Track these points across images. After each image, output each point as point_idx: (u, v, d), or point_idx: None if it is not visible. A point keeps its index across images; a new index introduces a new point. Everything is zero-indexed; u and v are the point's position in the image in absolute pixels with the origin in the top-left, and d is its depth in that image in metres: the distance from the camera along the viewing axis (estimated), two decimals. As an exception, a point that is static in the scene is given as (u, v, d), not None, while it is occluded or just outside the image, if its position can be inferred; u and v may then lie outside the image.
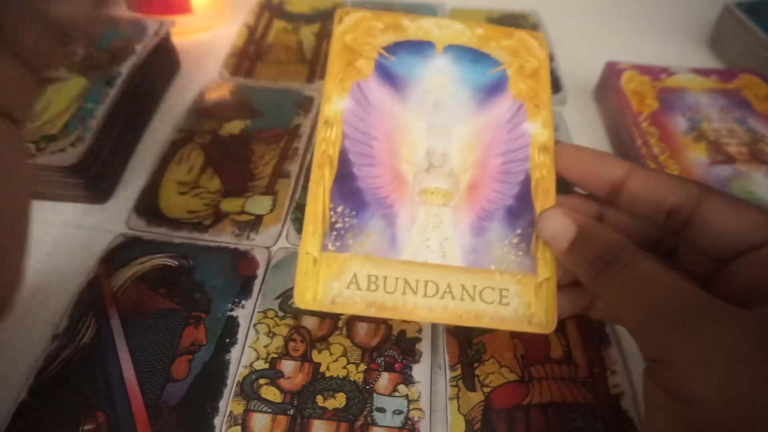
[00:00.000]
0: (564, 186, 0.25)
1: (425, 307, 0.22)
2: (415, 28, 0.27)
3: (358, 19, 0.27)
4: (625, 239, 0.20)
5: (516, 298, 0.22)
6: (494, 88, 0.26)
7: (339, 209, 0.23)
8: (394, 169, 0.24)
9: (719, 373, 0.16)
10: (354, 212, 0.23)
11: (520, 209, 0.23)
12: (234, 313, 0.27)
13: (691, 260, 0.23)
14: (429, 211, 0.23)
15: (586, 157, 0.23)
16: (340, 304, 0.22)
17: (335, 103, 0.25)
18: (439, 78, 0.26)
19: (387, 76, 0.26)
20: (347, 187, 0.23)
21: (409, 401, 0.24)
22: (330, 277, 0.22)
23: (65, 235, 0.31)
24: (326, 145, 0.24)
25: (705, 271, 0.23)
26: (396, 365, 0.25)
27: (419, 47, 0.26)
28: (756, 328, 0.17)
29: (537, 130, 0.25)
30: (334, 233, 0.23)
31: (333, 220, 0.23)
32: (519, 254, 0.23)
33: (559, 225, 0.22)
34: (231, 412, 0.24)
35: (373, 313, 0.22)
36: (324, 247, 0.22)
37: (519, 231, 0.23)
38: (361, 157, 0.24)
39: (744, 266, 0.20)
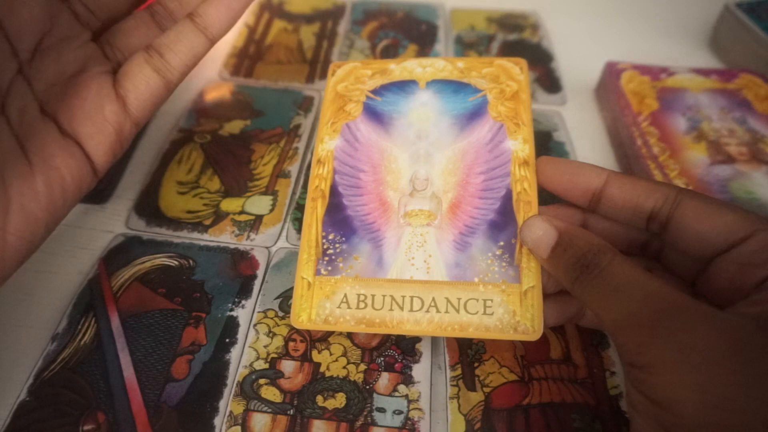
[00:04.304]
0: (551, 199, 0.25)
1: (411, 321, 0.23)
2: (400, 70, 0.30)
3: (349, 70, 0.30)
4: (604, 243, 0.20)
5: (500, 308, 0.23)
6: (475, 113, 0.28)
7: (330, 237, 0.25)
8: (380, 196, 0.26)
9: (693, 376, 0.16)
10: (344, 238, 0.25)
11: (503, 222, 0.25)
12: (234, 313, 0.27)
13: (676, 262, 0.24)
14: (413, 232, 0.25)
15: (565, 168, 0.24)
16: (332, 322, 0.23)
17: (327, 143, 0.27)
18: (421, 111, 0.28)
19: (373, 114, 0.28)
20: (337, 217, 0.26)
21: (409, 401, 0.24)
22: (323, 298, 0.24)
23: (65, 235, 0.31)
24: (319, 181, 0.26)
25: (690, 272, 0.23)
26: (396, 365, 0.25)
27: (403, 86, 0.29)
28: (729, 327, 0.17)
29: (517, 146, 0.26)
30: (326, 258, 0.25)
31: (325, 246, 0.25)
32: (503, 265, 0.24)
33: (541, 231, 0.22)
34: (231, 412, 0.24)
35: (362, 329, 0.23)
36: (317, 272, 0.24)
37: (502, 243, 0.24)
38: (350, 189, 0.26)
39: (722, 266, 0.20)
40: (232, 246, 0.30)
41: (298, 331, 0.26)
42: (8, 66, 0.21)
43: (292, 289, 0.25)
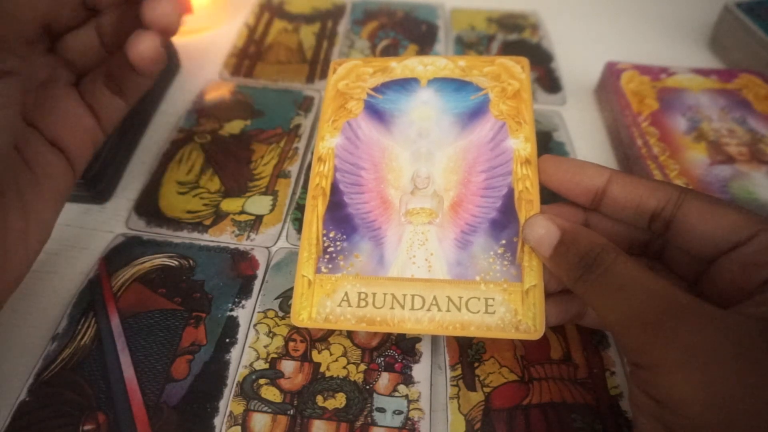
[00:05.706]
0: (554, 198, 0.25)
1: (412, 319, 0.23)
2: (402, 68, 0.30)
3: (350, 68, 0.30)
4: (607, 242, 0.20)
5: (502, 307, 0.23)
6: (476, 112, 0.28)
7: (331, 234, 0.25)
8: (381, 194, 0.26)
9: (697, 376, 0.16)
10: (344, 236, 0.25)
11: (504, 221, 0.25)
12: (234, 313, 0.27)
13: (678, 262, 0.23)
14: (415, 230, 0.25)
15: (567, 167, 0.24)
16: (333, 321, 0.23)
17: (327, 141, 0.27)
18: (422, 109, 0.28)
19: (375, 112, 0.28)
20: (338, 215, 0.25)
21: (409, 401, 0.24)
22: (323, 297, 0.24)
23: (65, 235, 0.31)
24: (320, 179, 0.27)
25: (692, 272, 0.23)
26: (396, 365, 0.25)
27: (405, 84, 0.29)
28: (734, 327, 0.17)
29: (519, 145, 0.26)
30: (327, 256, 0.25)
31: (326, 244, 0.25)
32: (504, 264, 0.24)
33: (543, 229, 0.22)
34: (231, 412, 0.24)
35: (363, 327, 0.23)
36: (318, 270, 0.24)
37: (504, 242, 0.24)
38: (351, 186, 0.26)
39: (726, 266, 0.20)
40: (232, 246, 0.30)
41: (298, 331, 0.26)
42: None
43: (292, 289, 0.25)
